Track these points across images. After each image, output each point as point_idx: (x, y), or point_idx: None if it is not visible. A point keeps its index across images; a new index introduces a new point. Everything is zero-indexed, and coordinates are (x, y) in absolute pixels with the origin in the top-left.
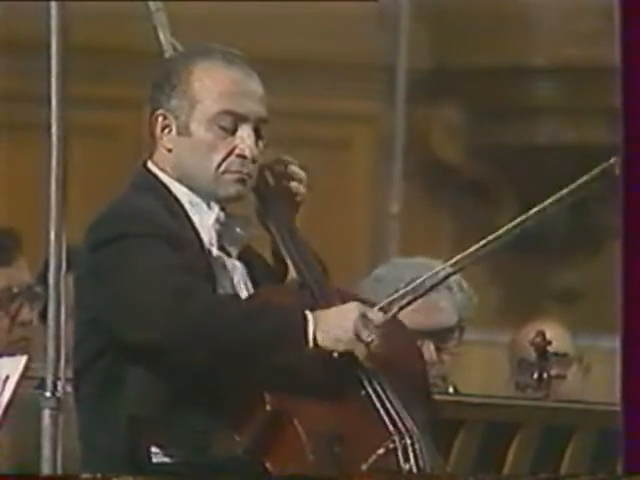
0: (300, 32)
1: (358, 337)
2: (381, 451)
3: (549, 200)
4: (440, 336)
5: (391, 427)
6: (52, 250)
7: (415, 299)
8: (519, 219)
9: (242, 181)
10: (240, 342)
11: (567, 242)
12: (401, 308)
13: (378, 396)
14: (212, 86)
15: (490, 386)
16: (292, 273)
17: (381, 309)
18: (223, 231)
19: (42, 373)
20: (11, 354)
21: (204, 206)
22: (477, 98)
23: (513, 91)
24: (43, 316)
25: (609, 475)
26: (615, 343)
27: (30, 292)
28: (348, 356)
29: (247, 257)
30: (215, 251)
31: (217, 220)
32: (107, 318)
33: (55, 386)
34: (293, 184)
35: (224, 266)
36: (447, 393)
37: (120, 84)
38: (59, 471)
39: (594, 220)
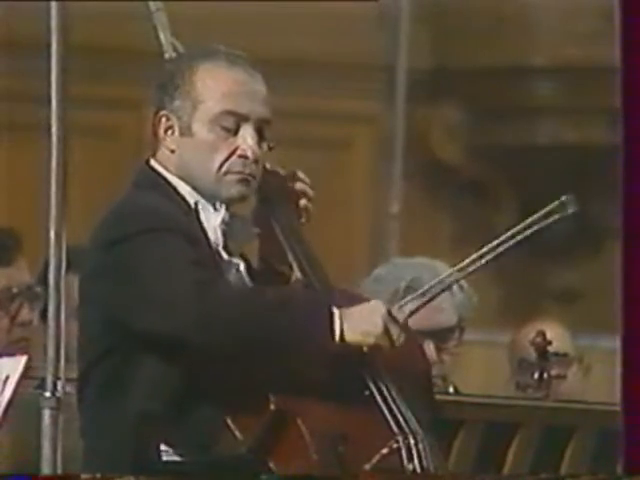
0: (300, 32)
1: (387, 332)
2: (385, 451)
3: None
4: (440, 336)
5: (395, 427)
6: (52, 250)
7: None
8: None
9: (244, 182)
10: (265, 334)
11: (567, 242)
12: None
13: (382, 396)
14: (215, 87)
15: (490, 386)
16: (297, 273)
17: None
18: (227, 231)
19: (42, 373)
20: (11, 354)
21: (210, 207)
22: (477, 98)
23: (513, 91)
24: (43, 316)
25: (609, 475)
26: (615, 343)
27: (30, 292)
28: (358, 355)
29: (250, 257)
30: (221, 250)
31: (223, 220)
32: (124, 314)
33: (55, 386)
34: (298, 185)
35: (231, 265)
36: (447, 393)
37: (120, 84)
38: (59, 471)
39: (594, 220)
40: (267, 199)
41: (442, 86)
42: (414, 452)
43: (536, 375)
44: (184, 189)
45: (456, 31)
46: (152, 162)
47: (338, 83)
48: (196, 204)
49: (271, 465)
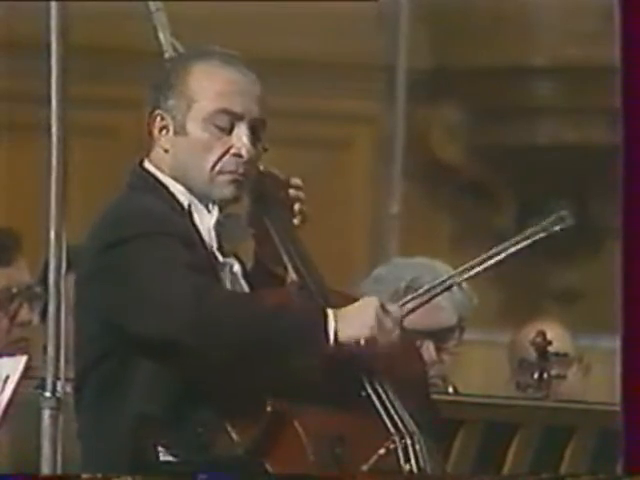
0: (300, 32)
1: (381, 326)
2: (382, 451)
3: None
4: (440, 336)
5: (391, 427)
6: (52, 250)
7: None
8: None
9: (237, 182)
10: (261, 338)
11: (567, 242)
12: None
13: (378, 396)
14: (209, 86)
15: (490, 386)
16: (291, 275)
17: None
18: (221, 231)
19: (42, 373)
20: (11, 354)
21: (203, 208)
22: (477, 98)
23: (513, 91)
24: (43, 316)
25: (609, 475)
26: (615, 343)
27: (29, 292)
28: (355, 356)
29: (245, 258)
30: (216, 252)
31: (217, 221)
32: (121, 317)
33: (55, 386)
34: (291, 189)
35: (225, 266)
36: (447, 393)
37: (120, 84)
38: (59, 471)
39: (594, 220)
40: (261, 200)
41: (442, 86)
42: (411, 452)
43: (536, 375)
44: (177, 189)
45: (456, 31)
46: (145, 163)
47: (338, 83)
48: (189, 206)
49: (268, 466)
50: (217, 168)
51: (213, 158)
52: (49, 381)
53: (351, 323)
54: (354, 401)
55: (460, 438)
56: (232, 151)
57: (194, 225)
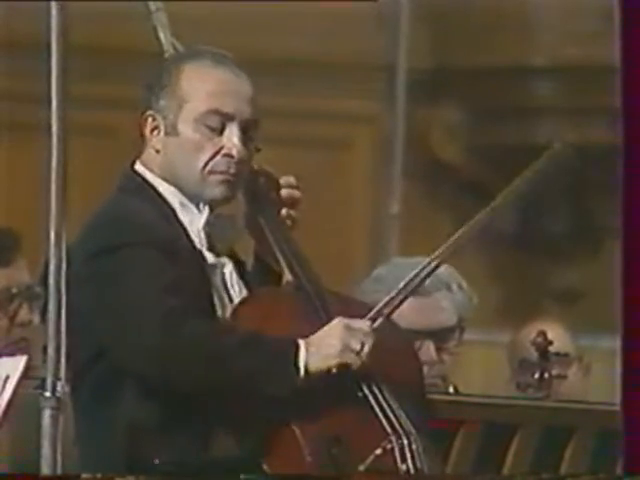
0: (300, 32)
1: (347, 348)
2: (378, 452)
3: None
4: (440, 336)
5: (388, 428)
6: (52, 250)
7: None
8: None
9: (228, 182)
10: (228, 372)
11: (568, 242)
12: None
13: (375, 397)
14: (200, 86)
15: (490, 386)
16: (287, 276)
17: (371, 316)
18: (212, 231)
19: (42, 373)
20: (11, 354)
21: (194, 208)
22: (477, 98)
23: (513, 91)
24: (43, 316)
25: (609, 475)
26: (615, 343)
27: (29, 292)
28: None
29: (239, 258)
30: (206, 252)
31: (207, 221)
32: (102, 329)
33: (55, 386)
34: (285, 188)
35: (215, 267)
36: (447, 393)
37: (120, 84)
38: (59, 471)
39: (594, 220)
40: (255, 200)
41: (442, 86)
42: (407, 453)
43: (537, 375)
44: (167, 190)
45: (456, 31)
46: (137, 165)
47: (338, 83)
48: (179, 207)
49: (265, 467)
50: (208, 168)
51: (204, 158)
52: (49, 381)
53: (317, 352)
54: (351, 401)
55: (460, 438)
56: (223, 151)
57: (183, 227)
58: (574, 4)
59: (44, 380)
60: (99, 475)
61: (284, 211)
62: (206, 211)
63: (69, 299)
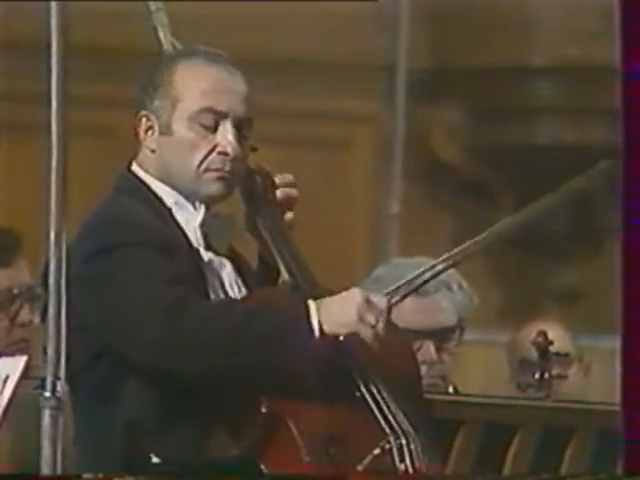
0: (300, 32)
1: (363, 320)
2: (376, 451)
3: (545, 199)
4: (440, 336)
5: (386, 427)
6: (52, 250)
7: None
8: (516, 215)
9: (223, 180)
10: (245, 342)
11: (568, 242)
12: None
13: (373, 397)
14: (193, 84)
15: (490, 386)
16: (284, 275)
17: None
18: (209, 230)
19: (42, 373)
20: (11, 354)
21: (190, 206)
22: (477, 98)
23: (513, 91)
24: (44, 316)
25: (609, 475)
26: (615, 343)
27: (30, 293)
28: (347, 349)
29: (236, 257)
30: (203, 251)
31: (203, 220)
32: (102, 330)
33: (55, 386)
34: (283, 187)
35: (213, 265)
36: (447, 393)
37: (120, 84)
38: (59, 471)
39: (594, 220)
40: (252, 199)
41: (442, 86)
42: (406, 452)
43: (537, 375)
44: (163, 190)
45: (456, 31)
46: (133, 165)
47: (338, 83)
48: (174, 206)
49: (263, 467)
50: (203, 166)
51: (199, 156)
52: (49, 381)
53: (333, 316)
54: (348, 401)
55: (460, 438)
56: (218, 149)
57: (178, 226)
58: (574, 4)
59: (44, 380)
60: (100, 475)
61: (281, 210)
62: (202, 209)
63: (68, 299)
